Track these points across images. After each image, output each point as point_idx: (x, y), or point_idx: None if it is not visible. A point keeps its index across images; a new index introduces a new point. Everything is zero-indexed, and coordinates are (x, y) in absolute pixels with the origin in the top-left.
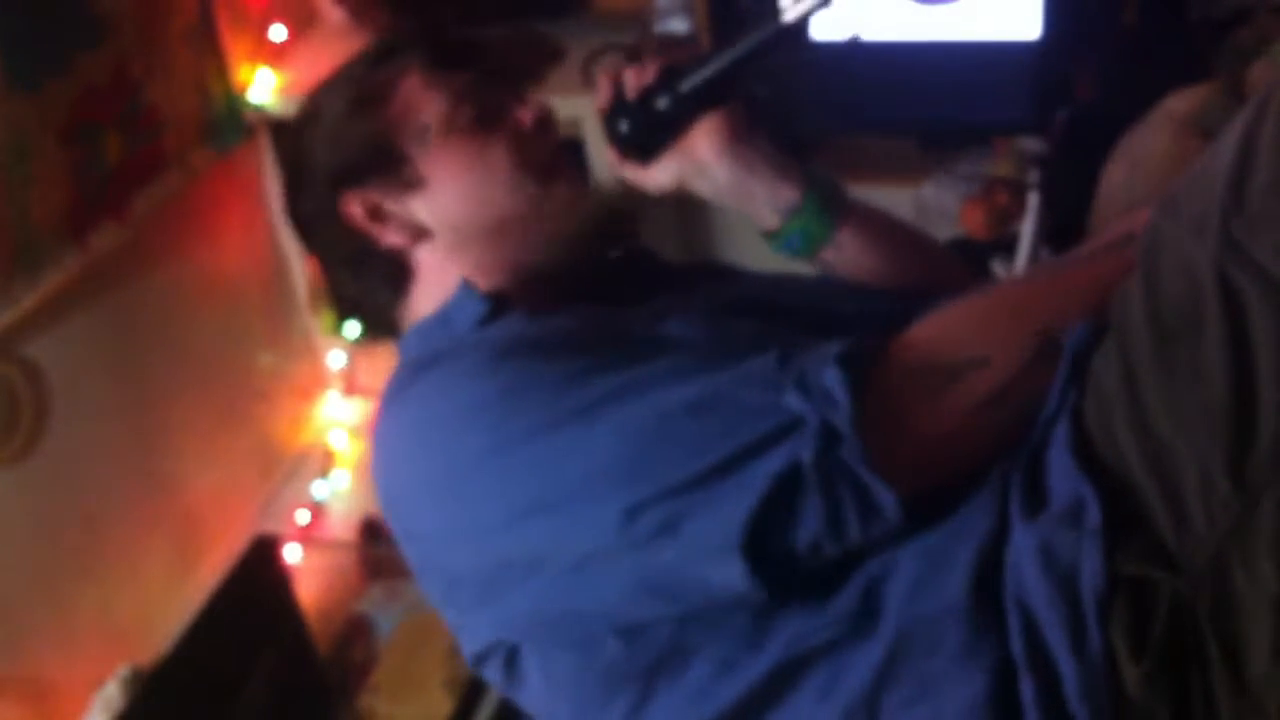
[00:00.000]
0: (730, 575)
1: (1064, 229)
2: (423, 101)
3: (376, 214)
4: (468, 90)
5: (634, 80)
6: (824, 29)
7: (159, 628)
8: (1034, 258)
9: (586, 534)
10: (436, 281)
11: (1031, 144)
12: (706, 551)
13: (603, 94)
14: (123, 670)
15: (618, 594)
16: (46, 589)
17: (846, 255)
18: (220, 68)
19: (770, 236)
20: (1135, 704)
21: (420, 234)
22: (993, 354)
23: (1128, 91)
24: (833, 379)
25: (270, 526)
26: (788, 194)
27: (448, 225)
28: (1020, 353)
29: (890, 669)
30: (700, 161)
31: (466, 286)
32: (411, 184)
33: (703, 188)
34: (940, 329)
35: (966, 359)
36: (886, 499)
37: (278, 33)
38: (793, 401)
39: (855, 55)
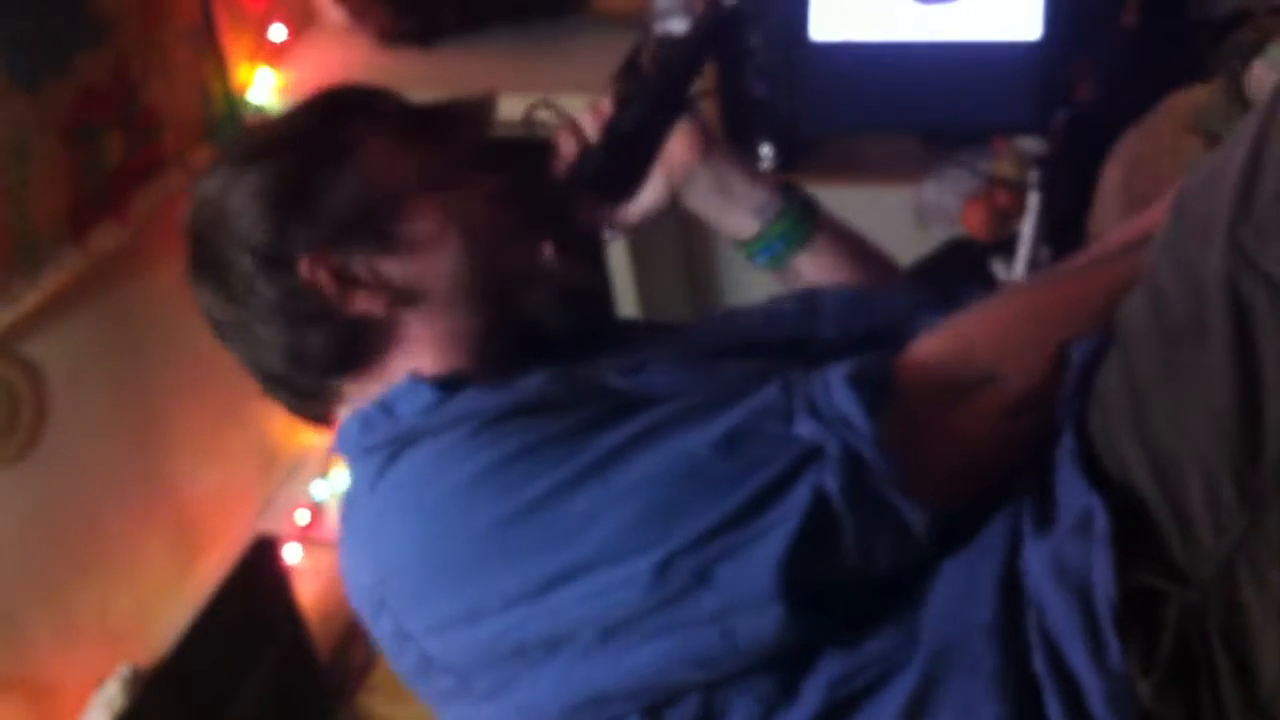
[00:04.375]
0: (768, 620)
1: (1064, 229)
2: (393, 164)
3: (344, 277)
4: (436, 154)
5: (593, 119)
6: (823, 29)
7: (159, 628)
8: (1034, 258)
9: (615, 599)
10: (413, 349)
11: (1031, 144)
12: (743, 598)
13: (565, 148)
14: (123, 670)
15: (647, 664)
16: (46, 589)
17: (821, 261)
18: (220, 68)
19: (750, 243)
20: (1149, 715)
21: (400, 299)
22: (1007, 368)
23: (1128, 91)
24: (846, 401)
25: (270, 526)
26: (767, 195)
27: (431, 288)
28: (1036, 364)
29: (927, 695)
30: (682, 167)
31: (412, 379)
32: (388, 247)
33: (691, 198)
34: (950, 343)
35: (979, 374)
36: (915, 519)
37: (278, 33)
38: (806, 429)
39: (855, 55)
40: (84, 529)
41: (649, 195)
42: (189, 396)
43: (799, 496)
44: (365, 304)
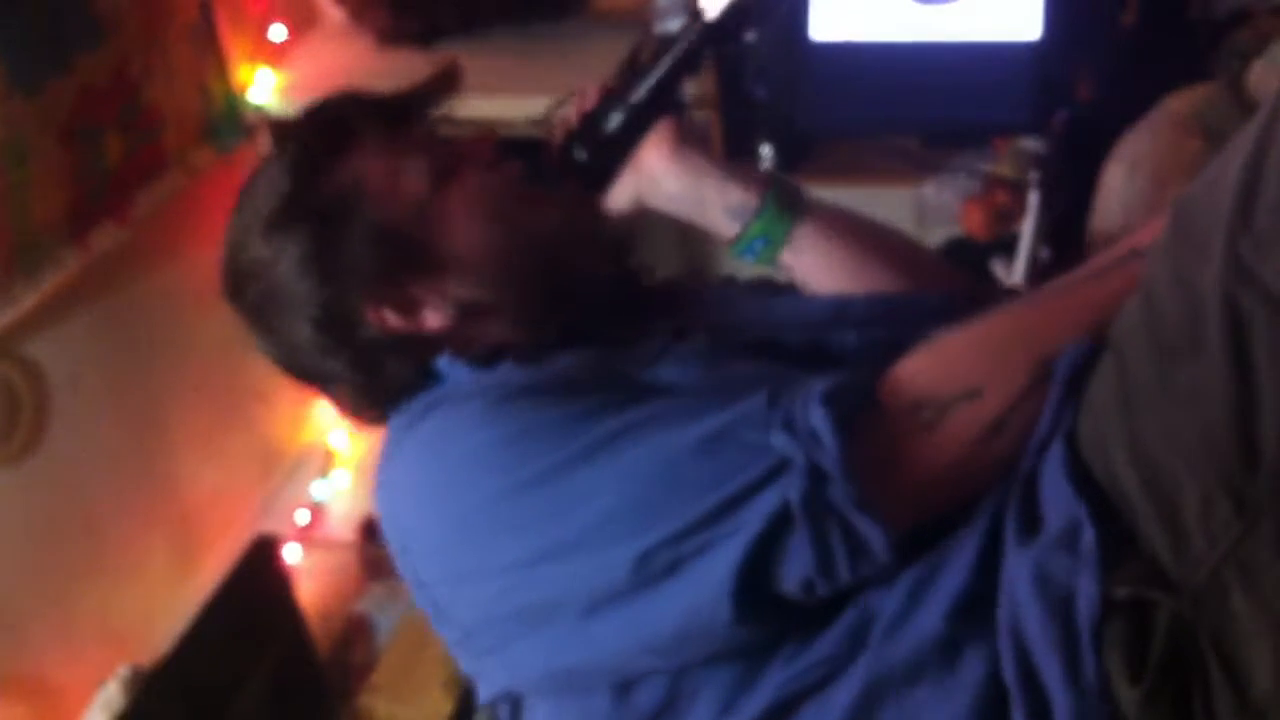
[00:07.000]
0: (718, 618)
1: (1064, 229)
2: (400, 176)
3: (406, 305)
4: (427, 143)
5: (576, 108)
6: (823, 29)
7: (159, 628)
8: (1034, 258)
9: (597, 581)
10: (485, 336)
11: (1031, 144)
12: (701, 595)
13: (558, 132)
14: (123, 670)
15: (622, 643)
16: (46, 589)
17: (806, 259)
18: (220, 68)
19: (732, 245)
20: None
21: (463, 302)
22: (987, 384)
23: (1128, 91)
24: (818, 418)
25: (270, 526)
26: (740, 196)
27: (485, 278)
28: (1017, 381)
29: (870, 703)
30: (651, 173)
31: (448, 358)
32: (433, 258)
33: (658, 201)
34: (931, 361)
35: (958, 391)
36: (876, 538)
37: (278, 33)
38: (779, 442)
39: (855, 55)
40: (84, 529)
41: (617, 195)
42: (189, 396)
43: (763, 504)
44: (434, 320)
